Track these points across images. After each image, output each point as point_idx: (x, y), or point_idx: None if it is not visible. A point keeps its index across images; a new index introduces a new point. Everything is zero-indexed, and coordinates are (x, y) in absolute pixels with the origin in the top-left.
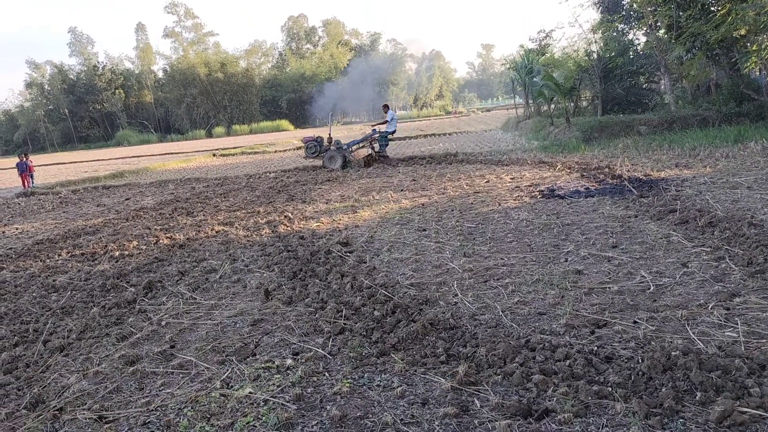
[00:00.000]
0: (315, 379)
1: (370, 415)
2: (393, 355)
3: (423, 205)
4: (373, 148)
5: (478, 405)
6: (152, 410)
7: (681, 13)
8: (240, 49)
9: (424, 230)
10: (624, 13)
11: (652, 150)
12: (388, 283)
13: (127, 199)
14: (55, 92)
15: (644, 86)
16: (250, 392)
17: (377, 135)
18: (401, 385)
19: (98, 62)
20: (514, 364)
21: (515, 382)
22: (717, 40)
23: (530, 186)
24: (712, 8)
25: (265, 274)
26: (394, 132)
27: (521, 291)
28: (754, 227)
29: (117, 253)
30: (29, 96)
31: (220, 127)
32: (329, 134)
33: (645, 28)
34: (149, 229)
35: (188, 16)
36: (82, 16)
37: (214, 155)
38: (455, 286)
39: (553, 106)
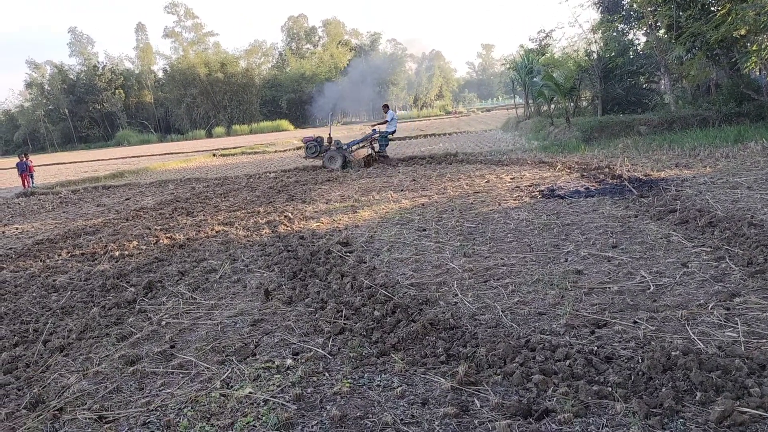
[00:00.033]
0: (315, 379)
1: (370, 415)
2: (393, 355)
3: (423, 205)
4: (373, 148)
5: (478, 405)
6: (152, 410)
7: (681, 13)
8: (240, 49)
9: (424, 230)
10: (624, 13)
11: (652, 150)
12: (388, 283)
13: (127, 199)
14: (55, 92)
15: (644, 86)
16: (250, 392)
17: (377, 135)
18: (401, 385)
19: (98, 62)
20: (514, 364)
21: (515, 382)
22: (717, 40)
23: (530, 186)
24: (712, 8)
25: (265, 274)
26: (394, 132)
27: (521, 291)
28: (754, 227)
29: (117, 253)
30: (29, 96)
31: (220, 127)
32: (329, 134)
33: (645, 28)
34: (149, 229)
35: (188, 16)
36: (82, 16)
37: (214, 155)
38: (455, 286)
39: (553, 106)
